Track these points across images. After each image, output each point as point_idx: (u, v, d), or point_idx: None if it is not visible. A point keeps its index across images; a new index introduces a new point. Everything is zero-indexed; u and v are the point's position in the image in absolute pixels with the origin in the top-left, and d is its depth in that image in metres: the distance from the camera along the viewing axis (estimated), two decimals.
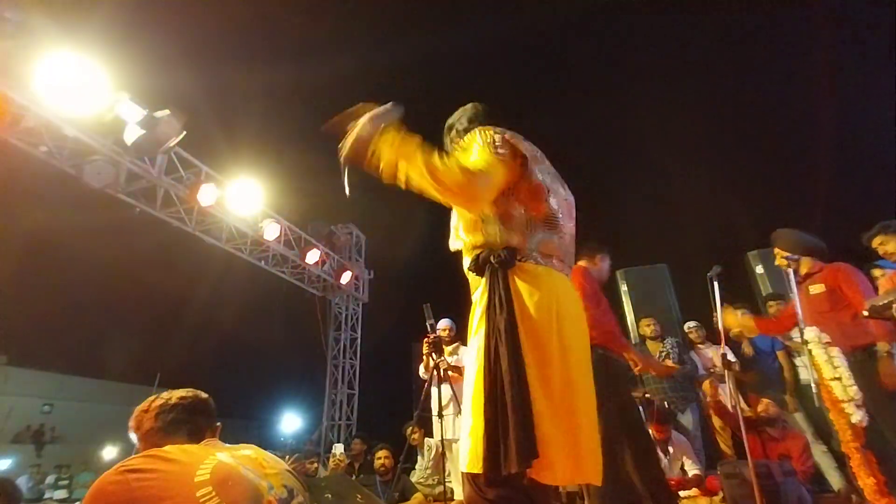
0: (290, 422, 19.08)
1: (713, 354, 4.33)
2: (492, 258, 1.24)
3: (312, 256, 7.88)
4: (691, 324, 4.92)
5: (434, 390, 4.01)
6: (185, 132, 4.48)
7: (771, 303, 4.39)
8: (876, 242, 2.65)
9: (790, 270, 2.51)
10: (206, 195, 5.66)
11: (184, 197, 5.67)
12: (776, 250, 2.74)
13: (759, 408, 3.65)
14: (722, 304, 2.95)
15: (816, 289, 2.50)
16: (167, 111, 4.33)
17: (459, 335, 4.50)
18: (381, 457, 4.42)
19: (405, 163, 1.16)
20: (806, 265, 2.61)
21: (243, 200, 6.20)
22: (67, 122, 4.38)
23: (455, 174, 1.16)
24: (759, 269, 5.85)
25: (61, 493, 8.44)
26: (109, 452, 19.00)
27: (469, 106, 1.57)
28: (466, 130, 1.44)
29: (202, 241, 6.33)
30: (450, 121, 1.59)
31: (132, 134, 4.34)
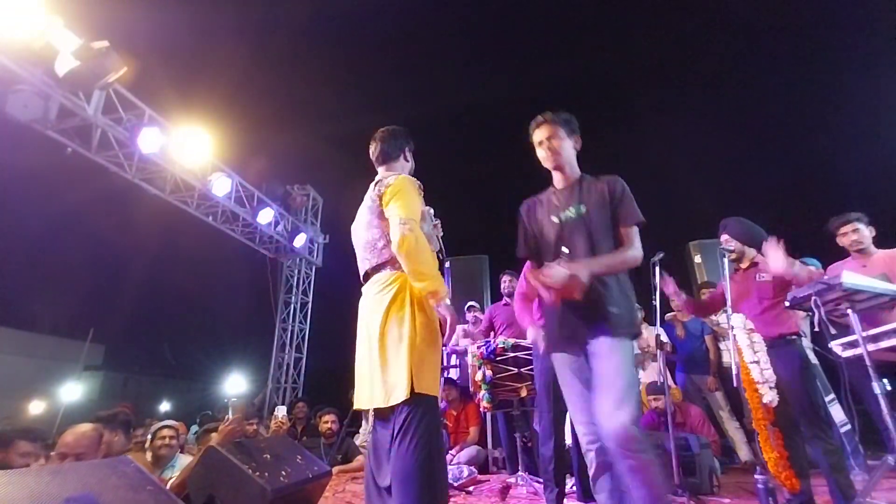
0: (236, 383, 18.73)
1: (648, 335, 4.58)
2: None
3: (265, 216, 7.59)
4: None
5: None
6: (126, 68, 4.10)
7: (704, 290, 4.69)
8: (847, 229, 2.76)
9: (726, 259, 2.63)
10: (148, 140, 5.27)
11: (123, 140, 5.26)
12: (724, 237, 2.76)
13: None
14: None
15: (765, 277, 2.63)
16: (106, 42, 3.94)
17: None
18: (328, 421, 4.45)
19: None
20: (750, 256, 2.72)
21: (191, 150, 5.82)
22: None
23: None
24: (698, 259, 6.21)
25: None
26: (36, 407, 18.01)
27: (401, 130, 1.94)
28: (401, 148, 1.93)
29: (143, 190, 5.93)
30: (392, 140, 1.92)
31: (65, 64, 3.93)
